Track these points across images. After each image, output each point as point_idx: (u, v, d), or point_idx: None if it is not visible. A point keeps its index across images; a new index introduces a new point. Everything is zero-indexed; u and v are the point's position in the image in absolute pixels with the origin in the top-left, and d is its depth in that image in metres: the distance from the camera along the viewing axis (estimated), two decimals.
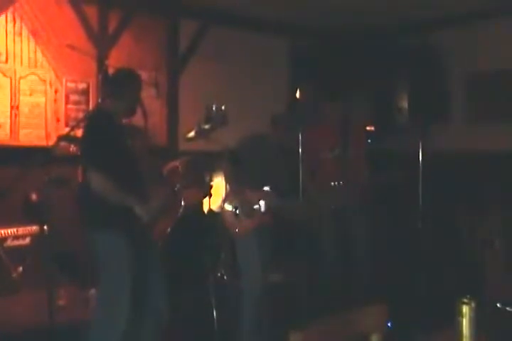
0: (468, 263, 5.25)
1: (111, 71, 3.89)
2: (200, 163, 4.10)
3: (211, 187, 4.29)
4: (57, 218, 4.30)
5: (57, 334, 3.53)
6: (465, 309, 1.85)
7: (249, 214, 3.82)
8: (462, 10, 5.87)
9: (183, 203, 4.73)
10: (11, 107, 5.20)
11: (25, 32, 5.26)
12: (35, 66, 5.32)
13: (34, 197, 4.75)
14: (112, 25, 5.65)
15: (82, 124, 3.44)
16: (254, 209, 3.85)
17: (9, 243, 4.54)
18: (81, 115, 5.41)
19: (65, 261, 4.58)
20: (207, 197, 4.33)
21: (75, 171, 4.78)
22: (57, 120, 5.45)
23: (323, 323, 1.94)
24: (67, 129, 5.13)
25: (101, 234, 3.22)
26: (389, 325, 2.14)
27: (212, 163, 4.16)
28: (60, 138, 4.10)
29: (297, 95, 4.15)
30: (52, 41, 5.37)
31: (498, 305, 2.47)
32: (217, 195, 4.08)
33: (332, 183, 4.41)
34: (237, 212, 3.83)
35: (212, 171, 4.19)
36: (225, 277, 4.99)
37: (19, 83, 5.23)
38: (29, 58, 5.28)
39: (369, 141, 5.17)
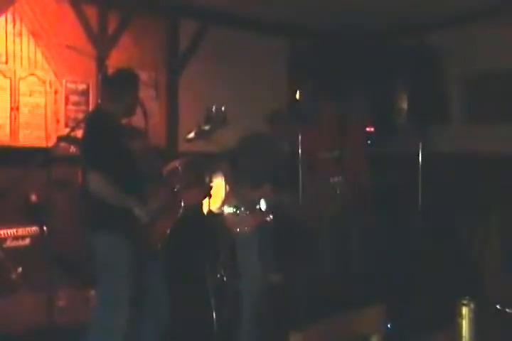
0: (468, 264, 5.25)
1: (110, 71, 3.90)
2: (200, 164, 4.09)
3: (211, 187, 4.29)
4: (57, 219, 4.30)
5: (57, 335, 3.52)
6: (464, 310, 1.85)
7: (249, 213, 3.83)
8: (462, 10, 5.87)
9: (182, 204, 4.72)
10: (11, 108, 5.20)
11: (25, 33, 5.26)
12: (35, 67, 5.32)
13: (34, 197, 4.76)
14: (112, 26, 5.64)
15: (81, 125, 3.44)
16: (255, 208, 3.85)
17: (9, 243, 4.54)
18: (81, 116, 5.41)
19: (64, 262, 4.58)
20: (207, 198, 4.33)
21: (75, 172, 4.78)
22: (57, 121, 5.45)
23: (322, 324, 1.94)
24: (67, 130, 5.12)
25: (100, 235, 3.22)
26: (388, 325, 2.14)
27: (212, 163, 4.16)
28: (60, 138, 4.09)
29: (297, 95, 4.15)
30: (52, 42, 5.37)
31: (497, 306, 2.47)
32: (217, 196, 4.09)
33: (331, 179, 4.40)
34: (238, 211, 3.83)
35: (212, 172, 4.18)
36: (225, 278, 4.99)
37: (19, 84, 5.23)
38: (29, 59, 5.28)
39: (368, 141, 5.18)
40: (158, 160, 3.68)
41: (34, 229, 4.64)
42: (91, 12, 5.57)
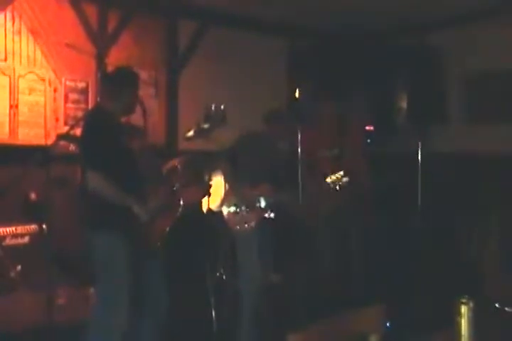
0: (468, 264, 5.25)
1: (110, 70, 3.89)
2: (199, 162, 4.09)
3: (210, 186, 4.29)
4: (57, 217, 4.30)
5: (57, 334, 3.52)
6: (463, 309, 1.85)
7: (249, 211, 3.83)
8: (462, 10, 5.87)
9: (182, 202, 4.72)
10: (10, 106, 5.20)
11: (24, 31, 5.25)
12: (35, 65, 5.31)
13: (33, 196, 4.76)
14: (112, 25, 5.64)
15: (81, 123, 3.44)
16: (255, 205, 3.86)
17: (8, 242, 4.54)
18: (80, 114, 5.41)
19: (64, 260, 4.58)
20: (206, 197, 4.33)
21: (74, 170, 4.78)
22: (57, 119, 5.44)
23: (322, 323, 1.94)
24: (66, 128, 5.13)
25: (100, 234, 3.22)
26: (388, 325, 2.14)
27: (211, 162, 4.16)
28: (60, 137, 4.10)
29: (296, 95, 4.15)
30: (52, 40, 5.37)
31: (496, 305, 2.46)
32: (217, 194, 4.09)
33: (329, 178, 4.39)
34: (237, 209, 3.84)
35: (211, 170, 4.18)
36: (224, 276, 4.99)
37: (18, 82, 5.23)
38: (28, 57, 5.28)
39: (368, 141, 5.18)
40: (155, 159, 3.68)
41: (33, 227, 4.63)
42: (91, 10, 5.56)
